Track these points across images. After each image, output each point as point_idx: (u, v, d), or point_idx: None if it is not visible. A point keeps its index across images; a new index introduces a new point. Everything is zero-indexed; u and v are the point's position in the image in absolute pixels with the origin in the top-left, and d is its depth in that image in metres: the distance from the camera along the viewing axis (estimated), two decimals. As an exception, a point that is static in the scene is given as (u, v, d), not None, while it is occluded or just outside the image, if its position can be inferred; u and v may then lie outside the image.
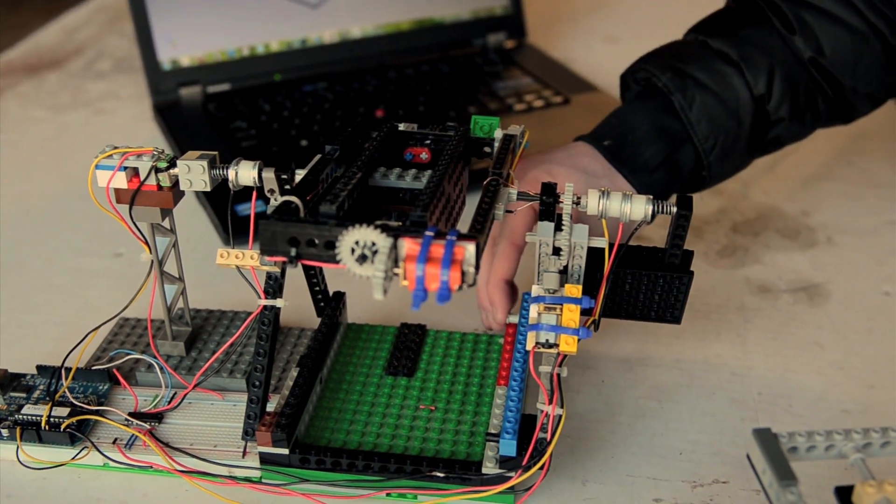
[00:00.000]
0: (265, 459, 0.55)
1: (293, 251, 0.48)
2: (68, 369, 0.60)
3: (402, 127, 0.61)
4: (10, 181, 0.91)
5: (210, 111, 0.98)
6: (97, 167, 0.57)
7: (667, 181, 0.68)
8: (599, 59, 1.17)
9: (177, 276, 0.63)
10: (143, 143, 0.99)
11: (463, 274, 0.45)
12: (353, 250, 0.46)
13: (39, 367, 0.62)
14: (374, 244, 0.46)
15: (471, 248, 0.45)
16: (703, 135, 0.67)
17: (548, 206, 0.55)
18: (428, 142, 0.60)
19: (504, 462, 0.53)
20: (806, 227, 0.83)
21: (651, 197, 0.55)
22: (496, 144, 0.61)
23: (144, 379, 0.62)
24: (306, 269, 0.63)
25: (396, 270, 0.46)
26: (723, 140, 0.68)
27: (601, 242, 0.55)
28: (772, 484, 0.44)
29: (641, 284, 0.59)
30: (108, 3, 1.35)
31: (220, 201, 0.82)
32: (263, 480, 0.55)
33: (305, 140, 0.92)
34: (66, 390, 0.59)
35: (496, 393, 0.59)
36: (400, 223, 0.47)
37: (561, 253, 0.55)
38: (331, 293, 0.66)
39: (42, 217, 0.85)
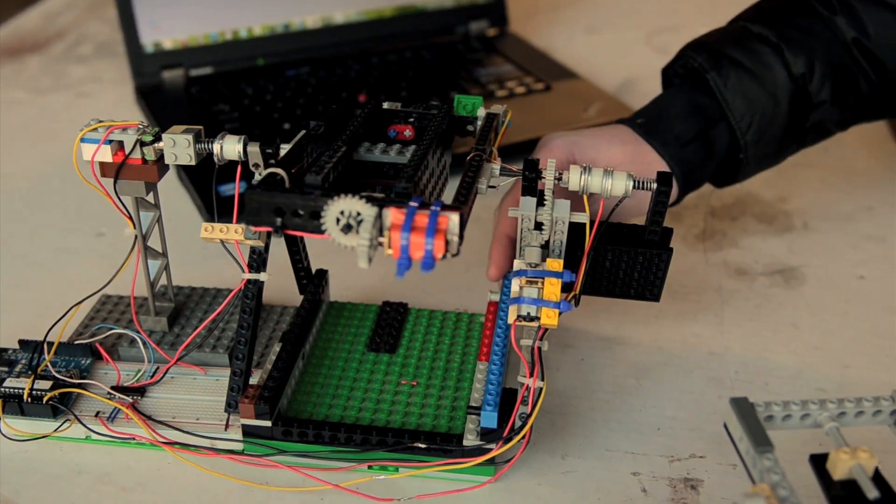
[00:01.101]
0: (248, 432, 0.55)
1: (278, 221, 0.48)
2: (50, 343, 0.60)
3: (385, 105, 0.62)
4: (-5, 161, 0.91)
5: (193, 94, 0.98)
6: (82, 140, 0.57)
7: (700, 157, 0.68)
8: (580, 49, 1.18)
9: (160, 251, 0.63)
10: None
11: (447, 243, 0.46)
12: (338, 220, 0.47)
13: (21, 342, 0.62)
14: (358, 214, 0.47)
15: (454, 217, 0.46)
16: (739, 112, 0.66)
17: (530, 181, 0.56)
18: (412, 119, 0.61)
19: (485, 434, 0.54)
20: (783, 212, 0.84)
21: (631, 173, 0.55)
22: (479, 123, 0.62)
23: (127, 354, 0.62)
24: (290, 245, 0.64)
25: (381, 239, 0.46)
26: (759, 119, 0.67)
27: (582, 218, 0.56)
28: (748, 451, 0.44)
29: (621, 262, 0.60)
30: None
31: (203, 180, 0.82)
32: (246, 453, 0.56)
33: (288, 123, 0.92)
34: (49, 364, 0.59)
35: (477, 368, 0.59)
36: (383, 195, 0.48)
37: (543, 228, 0.55)
38: (314, 271, 0.67)
39: (24, 197, 0.85)
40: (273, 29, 1.02)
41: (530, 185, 0.56)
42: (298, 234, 0.49)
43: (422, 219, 0.46)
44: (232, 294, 0.58)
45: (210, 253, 0.76)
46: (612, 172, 0.55)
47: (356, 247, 0.46)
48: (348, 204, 0.47)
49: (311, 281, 0.66)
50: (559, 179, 0.56)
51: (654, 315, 0.70)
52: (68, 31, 1.20)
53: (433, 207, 0.46)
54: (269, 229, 0.49)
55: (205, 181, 0.82)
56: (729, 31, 0.71)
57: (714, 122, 0.68)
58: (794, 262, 0.77)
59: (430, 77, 1.04)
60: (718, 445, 0.58)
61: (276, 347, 0.60)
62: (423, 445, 0.54)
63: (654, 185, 0.56)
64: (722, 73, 0.67)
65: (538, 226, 0.56)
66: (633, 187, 0.55)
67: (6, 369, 0.60)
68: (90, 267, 0.75)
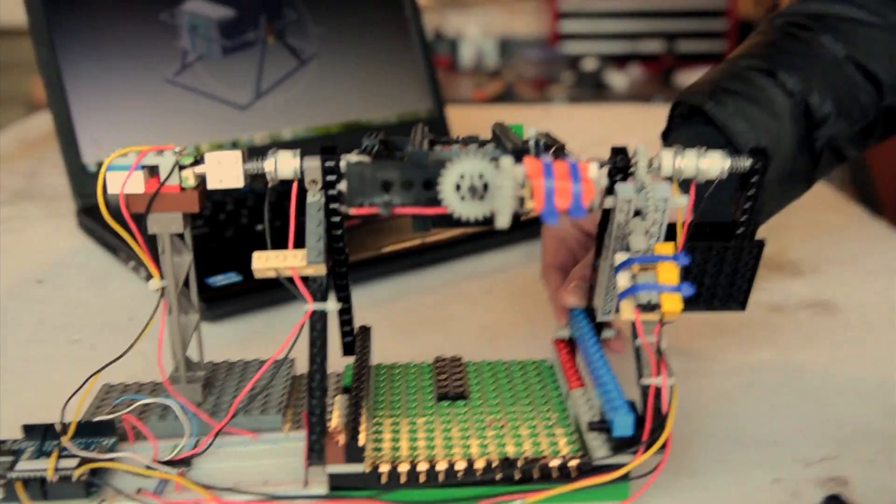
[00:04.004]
0: (337, 483, 0.46)
1: (386, 198, 0.42)
2: (66, 424, 0.50)
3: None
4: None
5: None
6: (109, 168, 0.49)
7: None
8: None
9: (191, 304, 0.54)
10: (67, 253, 0.92)
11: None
12: (458, 187, 0.41)
13: (27, 427, 0.51)
14: (482, 175, 0.41)
15: (594, 164, 0.42)
16: (740, 132, 0.65)
17: (621, 168, 0.52)
18: (458, 143, 0.57)
19: (618, 447, 0.47)
20: (788, 261, 0.83)
21: (726, 151, 0.52)
22: (531, 143, 0.58)
23: (157, 429, 0.52)
24: (340, 291, 0.56)
25: (521, 192, 0.41)
26: (764, 138, 0.66)
27: (682, 202, 0.51)
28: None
29: (709, 262, 0.56)
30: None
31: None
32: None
33: (260, 225, 0.86)
34: (68, 444, 0.49)
35: (572, 397, 0.53)
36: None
37: (644, 213, 0.51)
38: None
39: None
40: (221, 146, 0.97)
41: (621, 170, 0.52)
42: (410, 211, 0.43)
43: (561, 167, 0.41)
44: (280, 350, 0.50)
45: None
46: (705, 153, 0.52)
47: (495, 205, 0.41)
48: (470, 165, 0.41)
49: (356, 339, 0.58)
50: (651, 165, 0.52)
51: (715, 349, 0.67)
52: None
53: (568, 159, 0.42)
54: (375, 211, 0.43)
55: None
56: (720, 71, 0.71)
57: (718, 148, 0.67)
58: (823, 296, 0.75)
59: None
60: (847, 445, 0.54)
61: (341, 399, 0.52)
62: (556, 462, 0.46)
63: (748, 162, 0.52)
64: (719, 101, 0.67)
65: (636, 213, 0.51)
66: (731, 166, 0.52)
67: (10, 459, 0.49)
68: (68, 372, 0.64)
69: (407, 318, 0.73)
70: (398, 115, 1.10)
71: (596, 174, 0.41)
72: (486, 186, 0.41)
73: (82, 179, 0.91)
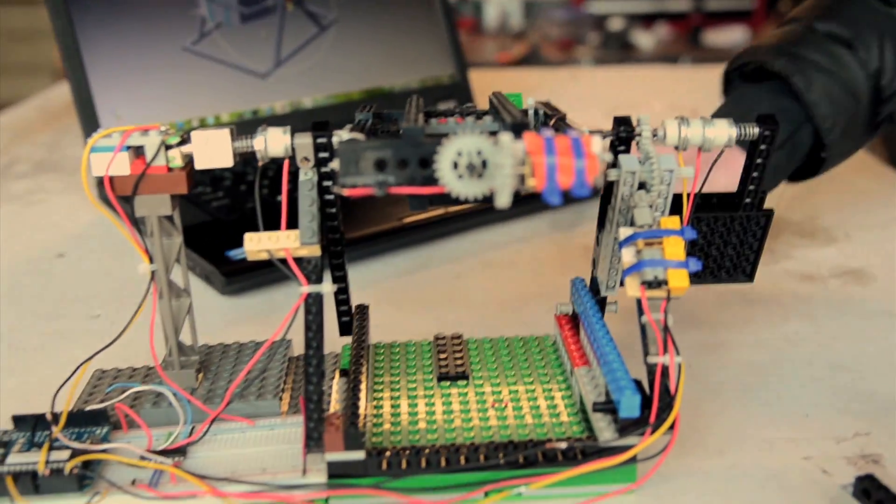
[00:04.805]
0: (335, 472, 0.45)
1: (381, 178, 0.40)
2: (57, 414, 0.49)
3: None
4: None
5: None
6: (93, 150, 0.48)
7: (785, 159, 0.67)
8: (546, 126, 1.15)
9: (182, 287, 0.53)
10: (88, 225, 0.91)
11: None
12: (455, 165, 0.39)
13: (16, 418, 0.49)
14: (480, 152, 0.39)
15: (597, 138, 0.39)
16: (824, 115, 0.66)
17: (624, 139, 0.49)
18: (457, 112, 0.54)
19: (624, 428, 0.44)
20: (820, 228, 0.80)
21: (731, 120, 0.49)
22: (530, 113, 0.55)
23: (150, 416, 0.51)
24: (335, 271, 0.54)
25: (521, 169, 0.39)
26: (843, 120, 0.66)
27: (689, 172, 0.49)
28: None
29: (715, 233, 0.53)
30: (7, 122, 1.26)
31: (209, 245, 0.74)
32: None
33: (279, 196, 0.84)
34: (60, 435, 0.48)
35: (577, 374, 0.50)
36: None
37: (649, 186, 0.48)
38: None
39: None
40: (241, 115, 0.95)
41: (625, 141, 0.49)
42: (406, 190, 0.40)
43: (563, 142, 0.39)
44: (275, 335, 0.48)
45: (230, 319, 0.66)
46: (712, 121, 0.49)
47: (494, 183, 0.38)
48: (468, 141, 0.39)
49: (353, 318, 0.57)
50: (655, 135, 0.49)
51: (743, 320, 0.64)
52: (-2, 157, 1.10)
53: (570, 132, 0.39)
54: (371, 191, 0.41)
55: (211, 246, 0.73)
56: (794, 33, 0.70)
57: (799, 124, 0.67)
58: (855, 264, 0.72)
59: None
60: (880, 421, 0.52)
61: (338, 382, 0.50)
62: (562, 445, 0.44)
63: (756, 131, 0.50)
64: (806, 77, 0.66)
65: (641, 185, 0.48)
66: (738, 134, 0.49)
67: (0, 451, 0.48)
68: (85, 347, 0.63)
69: (430, 291, 0.71)
70: (420, 80, 1.08)
71: (600, 148, 0.39)
72: (484, 164, 0.39)
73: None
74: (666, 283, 0.44)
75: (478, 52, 3.09)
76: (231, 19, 0.97)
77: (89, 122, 0.88)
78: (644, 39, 3.21)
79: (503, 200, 0.38)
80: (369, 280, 0.72)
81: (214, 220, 0.81)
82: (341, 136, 0.47)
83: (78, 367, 0.50)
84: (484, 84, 1.26)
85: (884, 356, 0.59)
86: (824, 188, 0.90)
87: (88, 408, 0.51)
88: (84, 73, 0.88)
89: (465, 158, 0.39)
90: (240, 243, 0.74)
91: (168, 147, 0.48)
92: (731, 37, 3.14)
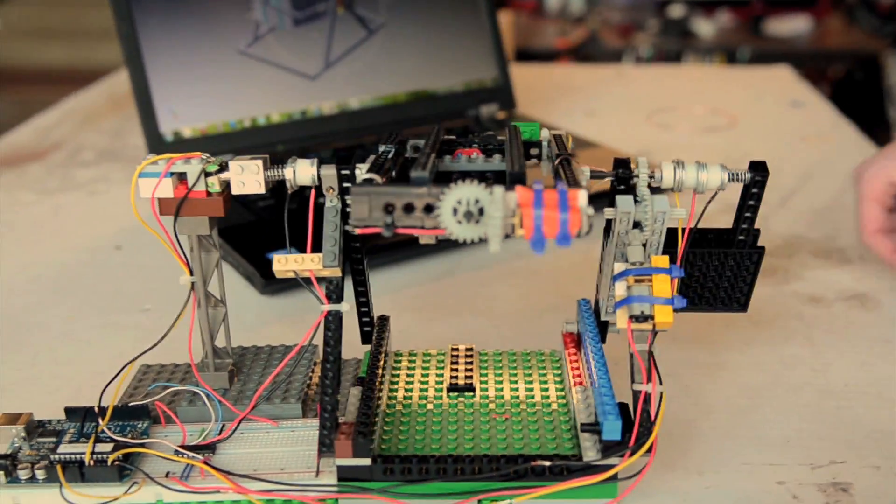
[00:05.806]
0: (344, 475, 0.50)
1: (388, 220, 0.45)
2: (103, 408, 0.55)
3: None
4: (12, 254, 0.86)
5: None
6: (141, 175, 0.53)
7: None
8: (586, 129, 1.18)
9: (219, 297, 0.58)
10: (149, 217, 0.97)
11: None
12: (455, 211, 0.44)
13: (68, 410, 0.55)
14: (477, 200, 0.43)
15: (583, 194, 0.43)
16: None
17: (623, 179, 0.53)
18: (475, 143, 0.58)
19: (607, 449, 0.49)
20: (836, 248, 0.82)
21: (724, 165, 0.53)
22: (544, 145, 0.59)
23: (186, 414, 0.56)
24: (357, 287, 0.59)
25: (511, 220, 0.43)
26: None
27: (681, 213, 0.52)
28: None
29: (710, 267, 0.57)
30: (77, 106, 1.33)
31: (251, 246, 0.79)
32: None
33: (322, 197, 0.89)
34: (105, 429, 0.54)
35: (573, 392, 0.55)
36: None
37: (643, 226, 0.52)
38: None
39: (52, 283, 0.80)
40: (291, 116, 1.00)
41: (624, 182, 0.53)
42: (411, 231, 0.45)
43: (551, 196, 0.43)
44: (300, 345, 0.53)
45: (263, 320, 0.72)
46: (705, 165, 0.53)
47: (487, 230, 0.43)
48: (466, 191, 0.43)
49: (374, 328, 0.61)
50: (652, 177, 0.53)
51: (746, 341, 0.67)
52: (65, 142, 1.17)
53: (558, 187, 0.44)
54: (379, 230, 0.45)
55: (252, 247, 0.78)
56: None
57: None
58: (863, 289, 0.75)
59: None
60: (856, 450, 0.55)
61: (355, 391, 0.55)
62: (546, 463, 0.48)
63: (748, 176, 0.53)
64: None
65: (636, 224, 0.52)
66: (729, 178, 0.53)
67: (53, 440, 0.54)
68: (134, 340, 0.69)
69: (455, 298, 0.75)
70: (464, 83, 1.12)
71: (585, 202, 0.43)
72: (481, 211, 0.43)
73: (160, 149, 0.95)
74: (652, 317, 0.48)
75: (538, 36, 3.10)
76: (284, 23, 1.02)
77: (148, 119, 0.94)
78: (704, 27, 3.18)
79: (494, 247, 0.43)
80: (401, 284, 0.77)
81: (258, 219, 0.86)
82: (362, 170, 0.52)
83: (124, 367, 0.56)
84: (527, 84, 1.29)
85: (873, 385, 0.61)
86: (849, 205, 0.92)
87: (132, 403, 0.56)
88: (144, 72, 0.94)
89: (464, 206, 0.43)
90: (281, 245, 0.80)
91: (208, 174, 0.53)
92: (794, 26, 3.09)
